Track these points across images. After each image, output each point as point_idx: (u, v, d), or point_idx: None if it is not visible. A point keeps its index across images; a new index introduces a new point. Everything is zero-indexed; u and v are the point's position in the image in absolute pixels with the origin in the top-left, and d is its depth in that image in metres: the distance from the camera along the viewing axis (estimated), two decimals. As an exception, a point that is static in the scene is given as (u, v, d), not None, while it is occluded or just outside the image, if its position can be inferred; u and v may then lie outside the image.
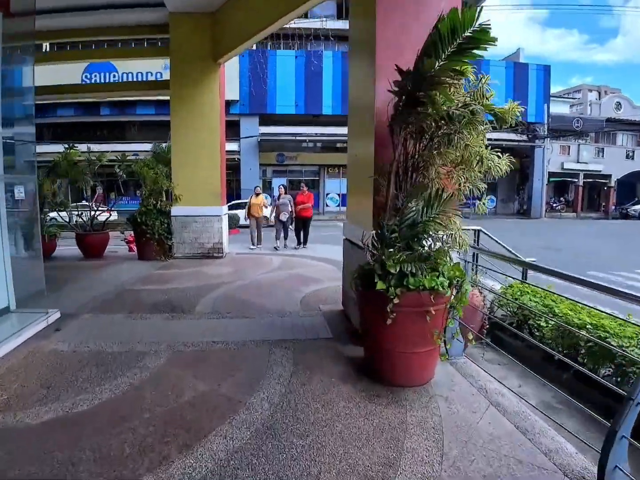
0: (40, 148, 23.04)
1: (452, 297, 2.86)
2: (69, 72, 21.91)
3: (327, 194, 26.23)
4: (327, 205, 26.16)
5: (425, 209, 2.73)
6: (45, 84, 21.36)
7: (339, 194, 26.31)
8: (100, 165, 8.38)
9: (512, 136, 24.69)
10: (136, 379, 2.95)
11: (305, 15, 28.81)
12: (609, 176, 30.81)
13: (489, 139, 2.99)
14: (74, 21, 7.10)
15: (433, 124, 2.76)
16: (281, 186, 9.82)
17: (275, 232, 9.58)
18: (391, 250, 2.79)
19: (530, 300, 4.55)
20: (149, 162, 7.49)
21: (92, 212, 8.19)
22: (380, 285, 2.64)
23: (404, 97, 2.68)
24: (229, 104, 22.76)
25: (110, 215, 8.19)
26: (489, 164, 2.92)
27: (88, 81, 23.04)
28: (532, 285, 4.50)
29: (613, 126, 30.86)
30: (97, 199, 23.18)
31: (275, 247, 9.29)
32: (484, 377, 3.17)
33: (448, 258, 2.81)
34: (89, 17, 6.96)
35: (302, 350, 3.46)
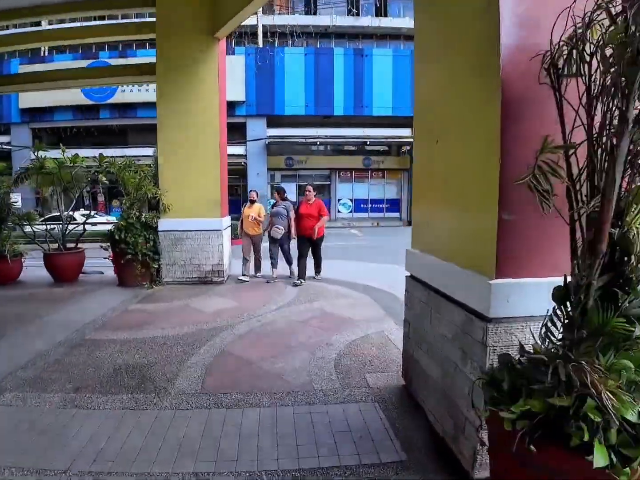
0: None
1: None
2: (66, 73, 20.82)
3: (339, 200, 24.66)
4: (339, 212, 24.57)
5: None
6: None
7: (351, 199, 24.74)
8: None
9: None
10: None
11: (315, 12, 27.51)
12: None
13: None
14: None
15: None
16: (276, 191, 6.84)
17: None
18: (586, 347, 1.17)
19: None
20: (130, 164, 5.96)
21: (64, 226, 6.65)
22: (601, 458, 1.02)
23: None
24: (234, 104, 21.38)
25: (85, 230, 6.66)
26: None
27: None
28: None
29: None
30: (98, 206, 21.95)
31: (283, 277, 6.54)
32: None
33: None
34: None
35: (358, 505, 1.83)
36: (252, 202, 6.62)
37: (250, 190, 6.93)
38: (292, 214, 6.35)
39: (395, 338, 3.80)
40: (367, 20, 27.46)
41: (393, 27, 27.86)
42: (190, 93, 5.90)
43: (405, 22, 27.79)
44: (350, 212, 24.82)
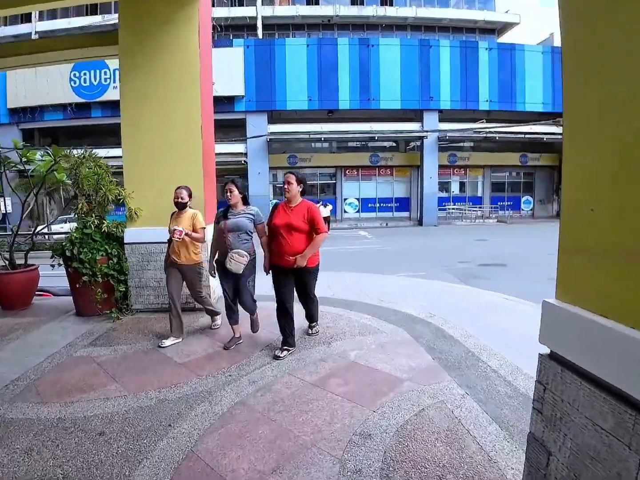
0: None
1: None
2: (55, 73, 19.56)
3: (345, 199, 23.30)
4: (345, 212, 23.22)
5: None
6: (30, 86, 18.86)
7: (358, 199, 23.35)
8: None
9: (553, 129, 21.28)
10: None
11: (316, 2, 26.08)
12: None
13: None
14: None
15: None
16: (232, 184, 3.50)
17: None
18: None
19: None
20: (87, 158, 4.59)
21: (11, 238, 5.29)
22: None
23: None
24: (233, 99, 20.06)
25: (34, 244, 5.31)
26: None
27: (77, 80, 20.68)
28: None
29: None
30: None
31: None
32: None
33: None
34: None
35: None
36: (182, 206, 3.72)
37: (178, 187, 3.74)
38: (265, 228, 3.52)
39: (467, 418, 2.40)
40: (372, 10, 26.03)
41: (399, 17, 26.45)
42: (162, 66, 4.53)
43: (412, 12, 26.37)
44: (357, 211, 23.46)
